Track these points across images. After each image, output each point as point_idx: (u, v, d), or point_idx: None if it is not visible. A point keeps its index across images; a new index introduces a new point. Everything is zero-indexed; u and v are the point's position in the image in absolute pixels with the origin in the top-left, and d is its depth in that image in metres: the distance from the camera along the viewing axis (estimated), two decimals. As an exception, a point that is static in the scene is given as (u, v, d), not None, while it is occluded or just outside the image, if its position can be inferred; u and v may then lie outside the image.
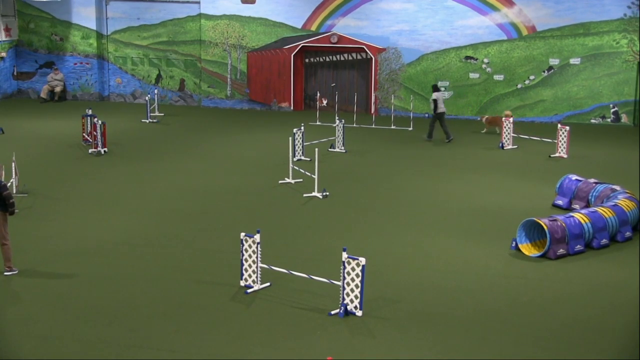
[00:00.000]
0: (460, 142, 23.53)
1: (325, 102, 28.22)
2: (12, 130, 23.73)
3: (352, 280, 10.54)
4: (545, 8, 27.22)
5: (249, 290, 11.39)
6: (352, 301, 10.59)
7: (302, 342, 9.87)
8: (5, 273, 11.97)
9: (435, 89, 23.74)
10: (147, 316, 10.55)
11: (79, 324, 10.28)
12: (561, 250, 13.09)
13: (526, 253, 13.24)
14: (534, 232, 13.53)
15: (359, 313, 10.58)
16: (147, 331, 10.09)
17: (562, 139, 21.42)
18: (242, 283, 11.58)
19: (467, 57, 27.98)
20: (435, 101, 23.27)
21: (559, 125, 21.75)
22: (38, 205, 15.89)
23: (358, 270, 10.46)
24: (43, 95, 30.27)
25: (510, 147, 22.65)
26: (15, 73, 31.06)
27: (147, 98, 27.06)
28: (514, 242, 13.48)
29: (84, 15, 30.49)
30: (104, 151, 20.83)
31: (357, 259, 10.46)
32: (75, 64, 30.85)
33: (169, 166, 19.70)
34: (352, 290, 10.57)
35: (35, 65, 31.21)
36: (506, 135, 22.67)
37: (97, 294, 11.32)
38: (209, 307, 10.87)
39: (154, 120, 26.51)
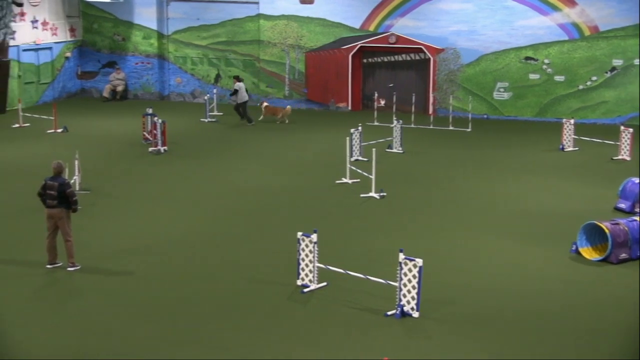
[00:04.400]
0: (519, 143, 23.22)
1: (383, 102, 28.13)
2: (75, 129, 24.21)
3: (409, 281, 10.49)
4: (608, 8, 26.68)
5: (305, 290, 11.43)
6: (408, 302, 10.55)
7: (358, 342, 9.87)
8: (69, 269, 12.24)
9: (238, 79, 26.40)
10: (201, 314, 10.66)
11: (133, 321, 10.45)
12: (623, 254, 12.82)
13: (587, 257, 13.01)
14: (595, 235, 13.28)
15: (415, 314, 10.53)
16: (202, 329, 10.20)
17: (625, 141, 20.98)
18: (299, 282, 11.63)
19: (527, 58, 27.59)
20: (236, 91, 25.78)
21: (622, 127, 21.31)
22: (99, 202, 16.19)
23: (415, 271, 10.41)
24: (105, 94, 30.82)
25: (570, 149, 22.27)
26: (79, 72, 31.70)
27: (206, 97, 27.35)
28: (574, 246, 13.26)
29: (145, 16, 30.95)
30: (164, 150, 21.12)
31: (414, 260, 10.41)
32: (137, 63, 31.34)
33: (227, 165, 19.88)
34: (408, 292, 10.52)
35: (98, 64, 31.78)
36: (567, 137, 22.30)
37: (153, 291, 11.49)
38: (264, 306, 10.93)
39: (213, 120, 26.77)
